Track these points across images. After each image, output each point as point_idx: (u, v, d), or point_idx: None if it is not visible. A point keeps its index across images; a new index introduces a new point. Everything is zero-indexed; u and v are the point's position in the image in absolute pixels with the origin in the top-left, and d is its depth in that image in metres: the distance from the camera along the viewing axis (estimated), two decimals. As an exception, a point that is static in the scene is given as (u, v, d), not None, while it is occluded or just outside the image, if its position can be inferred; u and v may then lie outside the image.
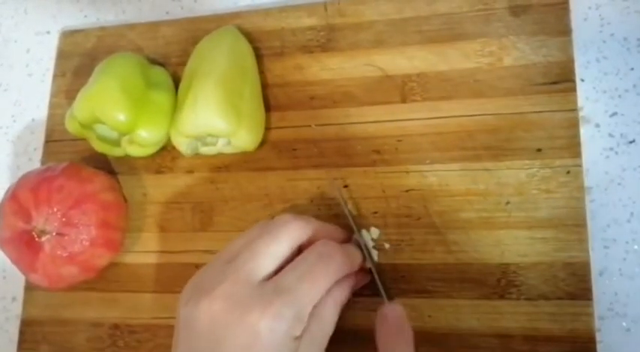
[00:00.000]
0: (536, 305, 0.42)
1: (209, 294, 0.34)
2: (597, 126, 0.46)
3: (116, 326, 0.49)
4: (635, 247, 0.43)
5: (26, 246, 0.45)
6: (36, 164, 0.56)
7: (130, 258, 0.51)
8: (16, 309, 0.53)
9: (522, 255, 0.43)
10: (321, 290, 0.36)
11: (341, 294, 0.38)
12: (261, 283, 0.35)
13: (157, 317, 0.49)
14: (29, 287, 0.52)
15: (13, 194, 0.46)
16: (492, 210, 0.44)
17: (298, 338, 0.34)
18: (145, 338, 0.48)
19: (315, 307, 0.36)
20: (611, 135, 0.45)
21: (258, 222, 0.41)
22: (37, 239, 0.44)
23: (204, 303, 0.34)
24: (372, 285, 0.43)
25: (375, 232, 0.45)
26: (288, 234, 0.37)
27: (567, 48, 0.46)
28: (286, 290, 0.34)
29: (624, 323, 0.42)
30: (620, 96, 0.46)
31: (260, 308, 0.33)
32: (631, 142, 0.45)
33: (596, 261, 0.43)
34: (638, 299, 0.42)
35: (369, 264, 0.43)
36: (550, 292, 0.42)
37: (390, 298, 0.42)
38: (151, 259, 0.50)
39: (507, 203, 0.44)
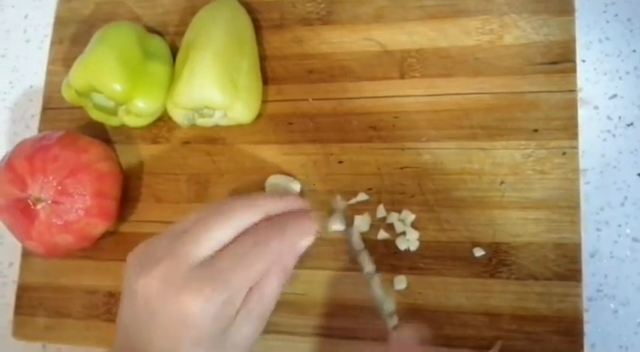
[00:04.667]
0: (525, 285, 0.42)
1: (148, 273, 0.36)
2: (596, 108, 0.45)
3: (111, 294, 0.50)
4: (628, 230, 0.43)
5: (22, 214, 0.45)
6: (33, 131, 0.56)
7: (125, 228, 0.51)
8: (13, 275, 0.54)
9: (514, 235, 0.43)
10: (254, 276, 0.37)
11: (282, 271, 0.38)
12: (197, 266, 0.36)
13: (151, 287, 0.49)
14: (26, 254, 0.53)
15: (8, 162, 0.46)
16: (486, 190, 0.44)
17: (231, 316, 0.36)
18: (139, 307, 0.49)
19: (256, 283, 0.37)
20: (609, 118, 0.45)
21: (216, 202, 0.40)
22: (32, 207, 0.45)
23: (143, 280, 0.36)
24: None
25: (401, 281, 0.44)
26: (235, 223, 0.37)
27: (569, 27, 0.45)
28: (219, 277, 0.35)
29: (612, 305, 0.43)
30: (620, 78, 0.45)
31: (192, 292, 0.34)
32: (629, 125, 0.45)
33: (588, 242, 0.43)
34: (628, 282, 0.43)
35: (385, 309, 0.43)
36: (540, 272, 0.42)
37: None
38: (146, 229, 0.50)
39: (502, 183, 0.44)
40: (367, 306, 0.44)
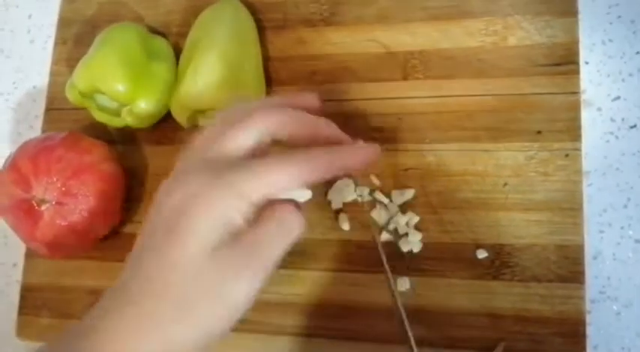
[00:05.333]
0: (528, 287, 0.42)
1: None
2: (599, 109, 0.45)
3: (114, 295, 0.50)
4: (630, 232, 0.43)
5: (26, 215, 0.45)
6: (37, 131, 0.56)
7: (128, 228, 0.51)
8: (17, 275, 0.54)
9: (517, 237, 0.43)
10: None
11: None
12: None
13: (154, 287, 0.49)
14: (30, 254, 0.53)
15: (12, 162, 0.46)
16: (489, 192, 0.44)
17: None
18: (142, 307, 0.49)
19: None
20: (612, 120, 0.45)
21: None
22: (36, 208, 0.45)
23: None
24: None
25: (404, 283, 0.44)
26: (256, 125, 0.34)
27: (573, 29, 0.45)
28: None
29: (615, 307, 0.43)
30: (623, 80, 0.45)
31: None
32: (632, 127, 0.45)
33: (591, 244, 0.43)
34: (630, 284, 0.43)
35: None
36: (542, 274, 0.42)
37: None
38: (150, 230, 0.50)
39: (505, 184, 0.44)
40: (367, 306, 0.44)
